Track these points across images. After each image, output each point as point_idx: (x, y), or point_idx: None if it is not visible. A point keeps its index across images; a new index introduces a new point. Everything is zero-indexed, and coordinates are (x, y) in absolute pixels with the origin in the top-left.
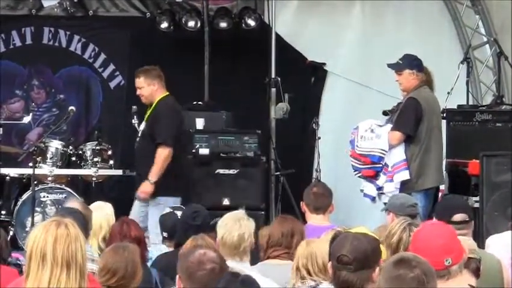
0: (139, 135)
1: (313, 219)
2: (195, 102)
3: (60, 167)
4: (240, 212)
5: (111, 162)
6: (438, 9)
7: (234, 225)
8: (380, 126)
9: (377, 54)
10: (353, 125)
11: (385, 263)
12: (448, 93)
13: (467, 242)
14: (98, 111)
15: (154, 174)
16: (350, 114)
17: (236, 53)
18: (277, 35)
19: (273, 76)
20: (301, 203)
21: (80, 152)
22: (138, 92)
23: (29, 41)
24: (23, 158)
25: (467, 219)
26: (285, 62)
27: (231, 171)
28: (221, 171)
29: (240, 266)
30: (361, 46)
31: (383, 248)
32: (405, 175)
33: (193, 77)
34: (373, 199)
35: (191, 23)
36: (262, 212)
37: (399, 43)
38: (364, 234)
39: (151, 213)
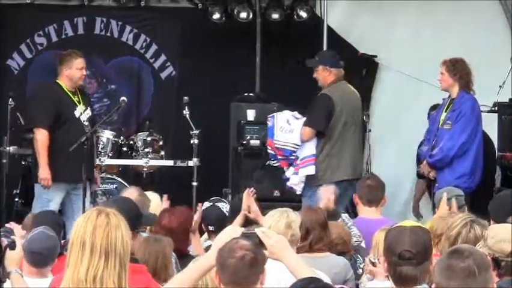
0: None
1: (366, 212)
2: (246, 94)
3: (112, 157)
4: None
5: (162, 152)
6: (491, 3)
7: (281, 215)
8: (297, 118)
9: (429, 47)
10: (404, 117)
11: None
12: (500, 86)
13: None
14: (150, 102)
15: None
16: (401, 107)
17: (287, 45)
18: (328, 27)
19: None
20: (353, 195)
21: (131, 142)
22: (84, 72)
23: (81, 31)
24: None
25: None
26: None
27: None
28: (271, 162)
29: None
30: (413, 38)
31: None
32: (310, 170)
33: (244, 68)
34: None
35: (243, 14)
36: None
37: (451, 36)
38: (418, 227)
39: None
